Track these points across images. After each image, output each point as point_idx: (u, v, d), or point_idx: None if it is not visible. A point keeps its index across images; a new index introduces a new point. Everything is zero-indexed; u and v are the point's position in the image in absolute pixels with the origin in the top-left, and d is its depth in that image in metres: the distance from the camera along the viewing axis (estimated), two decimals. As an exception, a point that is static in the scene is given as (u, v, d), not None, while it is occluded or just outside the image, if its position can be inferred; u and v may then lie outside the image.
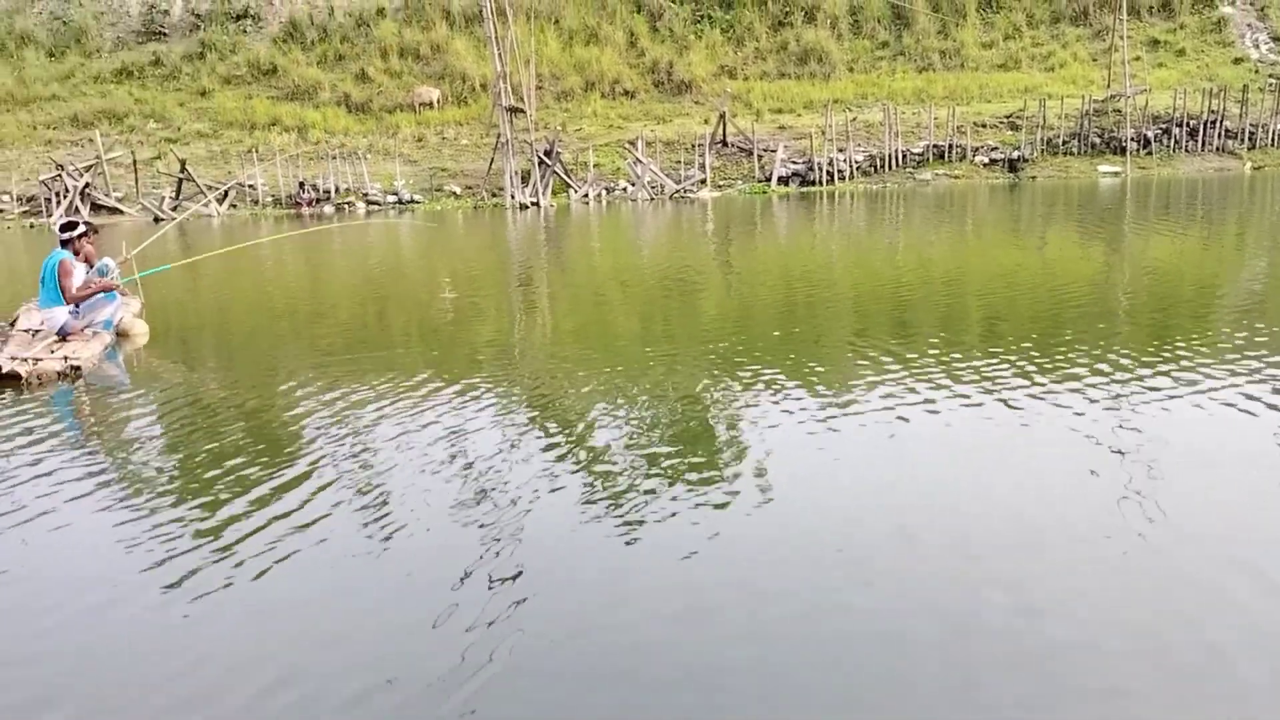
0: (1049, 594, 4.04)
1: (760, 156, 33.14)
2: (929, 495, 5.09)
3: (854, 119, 34.40)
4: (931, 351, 8.13)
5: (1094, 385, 6.92)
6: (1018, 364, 7.58)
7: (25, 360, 8.32)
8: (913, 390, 6.97)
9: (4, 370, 8.11)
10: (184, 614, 4.09)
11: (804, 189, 31.96)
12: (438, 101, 37.64)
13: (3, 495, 5.47)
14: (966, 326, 9.57)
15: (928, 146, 33.60)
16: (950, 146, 33.52)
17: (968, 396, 6.77)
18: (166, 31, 41.85)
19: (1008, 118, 34.89)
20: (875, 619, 3.89)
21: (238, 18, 41.82)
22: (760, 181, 32.51)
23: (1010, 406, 6.51)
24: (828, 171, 32.41)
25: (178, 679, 3.63)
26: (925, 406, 6.57)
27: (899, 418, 6.37)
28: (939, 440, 6.00)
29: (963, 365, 7.63)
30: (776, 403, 6.79)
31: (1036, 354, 7.89)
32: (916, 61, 39.77)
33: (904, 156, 33.40)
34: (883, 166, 33.20)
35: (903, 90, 37.51)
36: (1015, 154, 33.23)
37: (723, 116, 33.84)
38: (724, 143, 34.01)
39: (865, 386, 7.13)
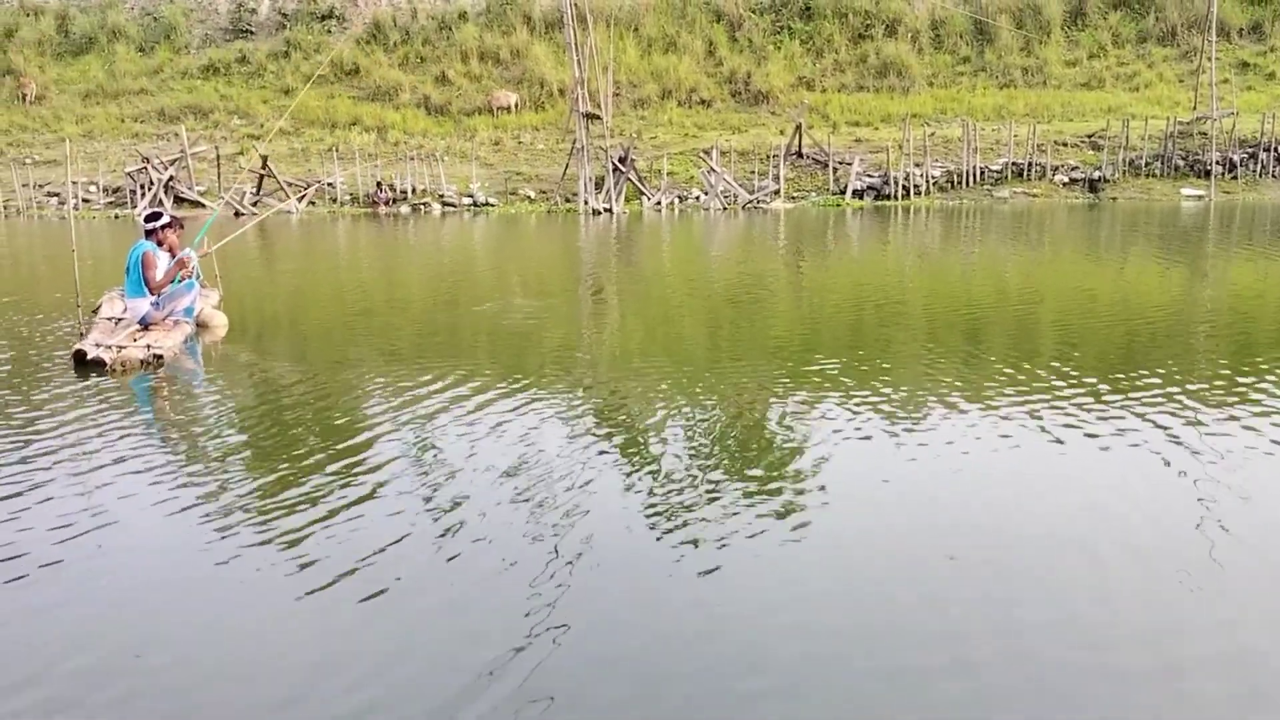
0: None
1: (835, 169, 32.94)
2: (1038, 517, 4.99)
3: (932, 134, 34.04)
4: (1008, 372, 7.98)
5: (1181, 414, 6.74)
6: (1100, 391, 7.40)
7: (110, 347, 8.51)
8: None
9: (89, 357, 8.31)
10: (335, 623, 3.98)
11: (878, 203, 31.72)
12: (515, 106, 37.97)
13: (111, 484, 5.52)
14: (1044, 350, 9.36)
15: (1006, 164, 33.16)
16: (1030, 165, 33.05)
17: (1051, 421, 6.62)
18: (253, 30, 42.74)
19: (1090, 137, 34.30)
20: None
21: (323, 18, 42.59)
22: (834, 194, 32.32)
23: (1094, 434, 6.35)
24: (903, 186, 32.12)
25: (352, 691, 3.48)
26: (1018, 432, 6.45)
27: (1001, 440, 6.25)
28: (1024, 463, 5.88)
29: (1042, 390, 7.46)
30: (851, 423, 6.69)
31: (1120, 382, 7.71)
32: (998, 78, 39.29)
33: (982, 173, 33.00)
34: (960, 183, 32.83)
35: (983, 106, 37.09)
36: (1096, 174, 32.66)
37: (799, 128, 33.69)
38: (799, 154, 33.86)
39: (949, 407, 7.00)
